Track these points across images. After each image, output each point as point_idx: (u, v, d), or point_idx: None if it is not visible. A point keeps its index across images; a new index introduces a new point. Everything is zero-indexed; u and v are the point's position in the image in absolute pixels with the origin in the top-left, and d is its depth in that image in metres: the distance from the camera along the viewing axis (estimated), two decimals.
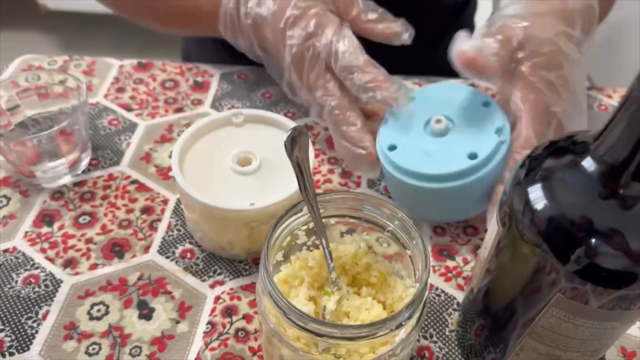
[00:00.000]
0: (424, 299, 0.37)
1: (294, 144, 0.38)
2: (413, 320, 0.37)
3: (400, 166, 0.50)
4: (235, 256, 0.50)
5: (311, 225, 0.42)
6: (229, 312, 0.47)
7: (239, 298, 0.48)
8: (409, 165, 0.49)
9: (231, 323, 0.46)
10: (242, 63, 0.70)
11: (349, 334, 0.34)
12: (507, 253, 0.35)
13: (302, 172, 0.39)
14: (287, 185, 0.47)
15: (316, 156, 0.60)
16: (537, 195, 0.32)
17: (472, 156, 0.48)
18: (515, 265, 0.35)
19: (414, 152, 0.50)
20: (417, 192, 0.50)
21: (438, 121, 0.51)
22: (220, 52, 0.71)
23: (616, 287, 0.31)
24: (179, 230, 0.53)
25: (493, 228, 0.37)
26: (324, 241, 0.40)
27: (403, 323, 0.35)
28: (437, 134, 0.51)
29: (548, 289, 0.33)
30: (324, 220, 0.43)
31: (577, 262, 0.31)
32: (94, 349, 0.44)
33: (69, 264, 0.49)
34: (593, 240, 0.30)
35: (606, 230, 0.30)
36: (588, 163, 0.31)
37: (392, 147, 0.52)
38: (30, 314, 0.46)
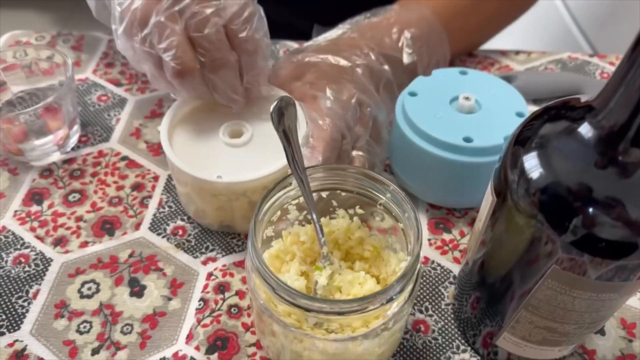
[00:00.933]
0: (416, 272, 0.36)
1: (280, 115, 0.37)
2: (405, 294, 0.36)
3: (413, 123, 0.48)
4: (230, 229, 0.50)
5: (302, 199, 0.40)
6: (222, 288, 0.46)
7: (231, 274, 0.47)
8: (422, 124, 0.48)
9: (224, 299, 0.45)
10: None
11: (339, 309, 0.34)
12: (502, 224, 0.34)
13: (290, 144, 0.38)
14: (278, 159, 0.46)
15: None
16: (531, 164, 0.31)
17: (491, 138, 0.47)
18: (511, 236, 0.34)
19: (432, 117, 0.48)
20: (420, 158, 0.49)
21: (466, 98, 0.49)
22: None
23: (615, 257, 0.30)
24: (170, 207, 0.52)
25: (487, 199, 0.35)
26: (314, 215, 0.39)
27: (394, 297, 0.34)
28: (464, 111, 0.49)
29: (544, 261, 0.32)
30: (315, 194, 0.42)
31: (574, 233, 0.30)
32: (85, 327, 0.43)
33: (59, 242, 0.49)
34: (590, 210, 0.29)
35: (604, 199, 0.29)
36: (585, 129, 0.29)
37: (413, 94, 0.51)
38: (20, 294, 0.45)
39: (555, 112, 0.32)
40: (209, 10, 0.43)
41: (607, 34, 0.97)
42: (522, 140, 0.32)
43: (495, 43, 0.71)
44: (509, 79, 0.61)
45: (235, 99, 0.47)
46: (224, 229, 0.50)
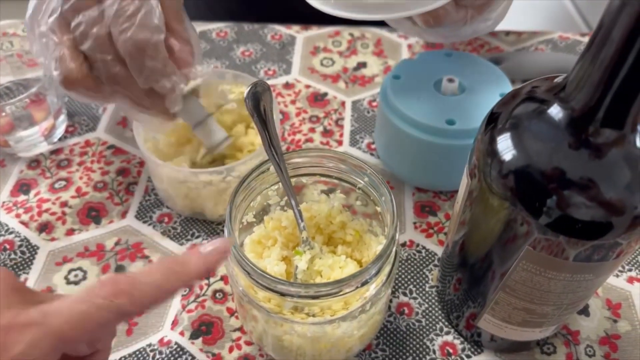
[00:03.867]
0: (392, 254, 0.36)
1: (256, 100, 0.37)
2: (382, 276, 0.36)
3: (396, 106, 0.48)
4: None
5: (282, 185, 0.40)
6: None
7: None
8: (405, 108, 0.47)
9: (209, 285, 0.46)
10: (221, 19, 0.68)
11: (314, 292, 0.34)
12: (478, 206, 0.34)
13: (266, 129, 0.38)
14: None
15: (297, 114, 0.59)
16: (504, 146, 0.30)
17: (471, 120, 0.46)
18: (486, 218, 0.34)
19: (415, 100, 0.48)
20: (405, 142, 0.48)
21: (450, 80, 0.49)
22: (201, 8, 0.69)
23: (590, 237, 0.30)
24: (156, 194, 0.52)
25: (464, 181, 0.35)
26: (292, 200, 0.39)
27: (369, 279, 0.35)
28: (448, 93, 0.49)
29: (520, 242, 0.32)
30: (295, 179, 0.42)
31: (548, 214, 0.29)
32: None
33: (44, 228, 0.49)
34: (564, 191, 0.29)
35: (577, 179, 0.29)
36: (556, 110, 0.29)
37: (397, 77, 0.50)
38: None
39: (528, 93, 0.32)
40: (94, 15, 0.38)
41: (602, 10, 0.96)
42: (494, 121, 0.32)
43: None
44: (498, 60, 0.61)
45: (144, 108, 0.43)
46: (197, 216, 0.50)
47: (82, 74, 0.39)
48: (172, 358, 0.41)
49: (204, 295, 0.45)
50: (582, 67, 0.27)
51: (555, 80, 0.31)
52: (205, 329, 0.43)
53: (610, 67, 0.25)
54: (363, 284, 0.34)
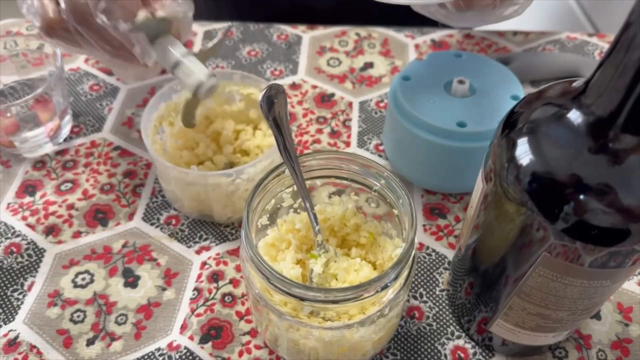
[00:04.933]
0: (411, 258, 0.36)
1: (270, 104, 0.37)
2: (401, 280, 0.36)
3: (406, 108, 0.47)
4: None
5: (296, 187, 0.40)
6: (215, 277, 0.46)
7: (225, 263, 0.47)
8: (415, 110, 0.47)
9: (217, 288, 0.45)
10: (226, 18, 0.67)
11: (333, 297, 0.34)
12: (493, 211, 0.34)
13: (281, 133, 0.37)
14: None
15: (304, 115, 0.58)
16: (521, 150, 0.30)
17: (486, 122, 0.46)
18: (501, 223, 0.33)
19: (425, 102, 0.48)
20: (414, 144, 0.48)
21: (461, 82, 0.48)
22: (207, 7, 0.68)
23: (607, 244, 0.29)
24: (163, 196, 0.51)
25: (478, 185, 0.35)
26: (307, 203, 0.39)
27: (389, 284, 0.34)
28: (458, 95, 0.48)
29: (535, 248, 0.31)
30: (309, 182, 0.41)
31: (566, 220, 0.29)
32: (78, 316, 0.43)
33: (51, 231, 0.49)
34: (582, 196, 0.28)
35: (595, 185, 0.28)
36: (575, 115, 0.29)
37: (406, 78, 0.50)
38: (15, 286, 0.45)
39: (546, 97, 0.31)
40: None
41: (608, 11, 0.96)
42: (511, 125, 0.31)
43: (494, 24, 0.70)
44: (506, 60, 0.60)
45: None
46: (205, 218, 0.49)
47: (58, 16, 0.41)
48: None
49: (212, 299, 0.45)
50: (603, 71, 0.27)
51: (574, 84, 0.30)
52: (214, 333, 0.43)
53: (633, 71, 0.25)
54: (383, 289, 0.34)
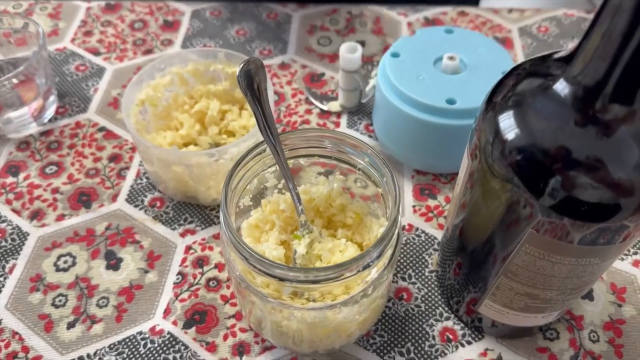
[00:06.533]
0: (395, 236, 0.35)
1: (249, 78, 0.35)
2: (384, 260, 0.35)
3: (395, 85, 0.46)
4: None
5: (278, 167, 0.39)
6: (200, 262, 0.45)
7: (210, 248, 0.46)
8: (403, 87, 0.46)
9: (202, 273, 0.44)
10: None
11: (314, 277, 0.33)
12: (479, 189, 0.32)
13: (261, 109, 0.36)
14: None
15: (293, 95, 0.57)
16: (506, 125, 0.29)
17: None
18: (488, 201, 0.32)
19: (414, 78, 0.46)
20: (403, 122, 0.47)
21: (451, 58, 0.47)
22: None
23: (596, 220, 0.28)
24: (147, 178, 0.50)
25: (464, 163, 0.34)
26: (289, 182, 0.38)
27: (371, 263, 0.33)
28: (449, 71, 0.47)
29: (522, 225, 0.30)
30: (293, 161, 0.40)
31: (552, 196, 0.28)
32: (60, 300, 0.43)
33: (36, 215, 0.48)
34: (569, 171, 0.27)
35: (583, 159, 0.27)
36: (561, 86, 0.27)
37: (395, 55, 0.48)
38: None
39: (530, 69, 0.30)
40: None
41: None
42: (496, 99, 0.30)
43: (489, 1, 0.69)
44: None
45: None
46: (190, 200, 0.48)
47: None
48: (164, 348, 0.40)
49: (197, 284, 0.44)
50: (590, 38, 0.26)
51: (559, 54, 0.29)
52: (198, 318, 0.42)
53: (621, 37, 0.24)
54: (364, 268, 0.33)
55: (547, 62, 0.29)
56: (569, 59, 0.27)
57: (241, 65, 0.35)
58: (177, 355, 0.40)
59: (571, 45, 0.59)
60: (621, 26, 0.23)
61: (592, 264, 0.31)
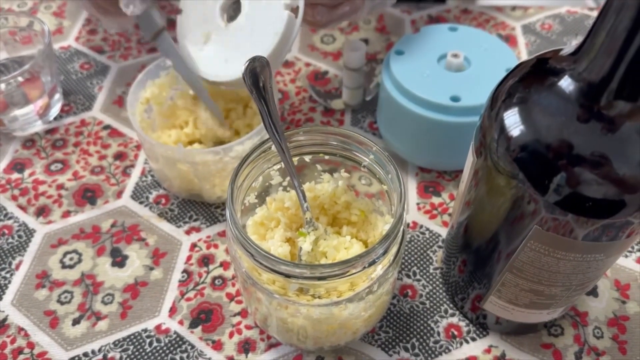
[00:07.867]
0: (400, 233, 0.35)
1: (254, 77, 0.35)
2: (389, 256, 0.35)
3: (399, 83, 0.46)
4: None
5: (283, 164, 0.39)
6: (206, 261, 0.45)
7: (215, 246, 0.46)
8: (408, 84, 0.46)
9: (208, 272, 0.44)
10: None
11: (319, 274, 0.33)
12: (484, 186, 0.33)
13: (267, 107, 0.36)
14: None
15: (297, 94, 0.57)
16: (511, 122, 0.29)
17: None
18: (493, 197, 0.32)
19: (418, 76, 0.47)
20: (407, 119, 0.47)
21: (455, 55, 0.47)
22: None
23: (601, 216, 0.28)
24: (152, 175, 0.51)
25: (469, 160, 0.34)
26: (294, 180, 0.38)
27: (376, 260, 0.33)
28: (453, 69, 0.47)
29: (527, 222, 0.31)
30: (298, 158, 0.40)
31: (557, 192, 0.28)
32: (66, 297, 0.43)
33: (42, 212, 0.48)
34: (574, 167, 0.27)
35: (588, 155, 0.27)
36: (566, 82, 0.27)
37: (400, 52, 0.49)
38: (3, 265, 0.45)
39: (535, 66, 0.30)
40: None
41: None
42: (501, 96, 0.30)
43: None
44: None
45: None
46: (194, 198, 0.49)
47: None
48: (171, 347, 0.41)
49: (202, 283, 0.44)
50: (595, 35, 0.26)
51: (564, 51, 0.29)
52: (204, 317, 0.42)
53: (625, 34, 0.24)
54: (370, 265, 0.33)
55: (551, 59, 0.29)
56: (573, 55, 0.27)
57: (246, 64, 0.35)
58: (184, 355, 0.40)
59: (574, 42, 0.60)
60: (626, 22, 0.24)
61: (596, 260, 0.31)
